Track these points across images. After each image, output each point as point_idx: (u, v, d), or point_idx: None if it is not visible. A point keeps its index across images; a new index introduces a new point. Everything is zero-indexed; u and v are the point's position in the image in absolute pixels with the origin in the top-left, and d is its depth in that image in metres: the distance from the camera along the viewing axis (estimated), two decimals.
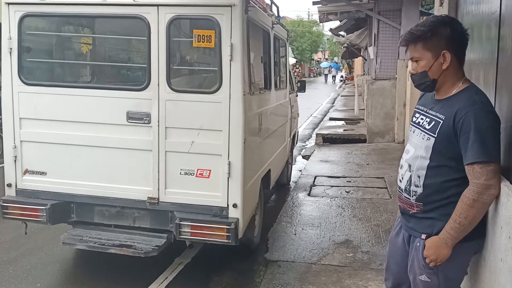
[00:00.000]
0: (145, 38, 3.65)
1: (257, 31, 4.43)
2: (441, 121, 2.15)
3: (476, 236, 2.20)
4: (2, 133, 8.47)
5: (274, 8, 5.59)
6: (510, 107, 2.28)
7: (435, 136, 2.16)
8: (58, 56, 4.42)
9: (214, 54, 3.68)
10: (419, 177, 2.23)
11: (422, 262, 2.20)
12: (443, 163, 2.16)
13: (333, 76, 49.19)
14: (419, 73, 2.21)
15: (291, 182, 7.36)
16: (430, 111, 2.25)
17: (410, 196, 2.28)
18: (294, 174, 7.86)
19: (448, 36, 2.13)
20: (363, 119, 12.69)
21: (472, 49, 2.25)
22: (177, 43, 3.91)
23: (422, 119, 2.29)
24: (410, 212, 2.30)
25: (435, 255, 2.14)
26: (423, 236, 2.22)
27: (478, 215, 2.07)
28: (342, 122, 14.02)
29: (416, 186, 2.24)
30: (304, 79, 24.70)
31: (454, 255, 2.14)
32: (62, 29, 4.30)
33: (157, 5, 3.58)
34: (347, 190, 6.75)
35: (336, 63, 59.31)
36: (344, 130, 12.01)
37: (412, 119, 2.39)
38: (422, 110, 2.33)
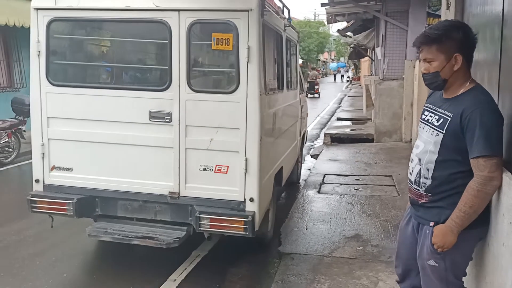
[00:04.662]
0: (167, 41, 3.84)
1: (271, 33, 4.61)
2: (449, 119, 2.33)
3: (480, 224, 2.37)
4: (18, 133, 8.77)
5: (285, 11, 5.77)
6: None
7: (444, 132, 2.34)
8: (83, 59, 4.62)
9: (232, 56, 3.88)
10: (428, 170, 2.41)
11: (431, 247, 2.39)
12: (450, 157, 2.35)
13: (341, 75, 52.51)
14: (432, 73, 2.38)
15: (300, 180, 7.55)
16: (439, 109, 2.44)
17: (419, 188, 2.46)
18: (304, 172, 8.05)
19: (461, 40, 2.31)
20: (370, 119, 12.83)
21: (477, 50, 2.41)
22: (197, 46, 4.09)
23: (431, 116, 2.47)
24: (420, 202, 2.48)
25: (442, 242, 2.33)
26: (432, 224, 2.40)
27: (481, 204, 2.26)
28: (349, 122, 14.16)
29: (426, 178, 2.42)
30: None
31: (460, 241, 2.32)
32: (88, 32, 4.50)
33: (178, 10, 3.78)
34: (356, 188, 6.91)
35: (343, 63, 60.61)
36: (351, 130, 12.16)
37: (422, 117, 2.57)
38: (431, 108, 2.52)
